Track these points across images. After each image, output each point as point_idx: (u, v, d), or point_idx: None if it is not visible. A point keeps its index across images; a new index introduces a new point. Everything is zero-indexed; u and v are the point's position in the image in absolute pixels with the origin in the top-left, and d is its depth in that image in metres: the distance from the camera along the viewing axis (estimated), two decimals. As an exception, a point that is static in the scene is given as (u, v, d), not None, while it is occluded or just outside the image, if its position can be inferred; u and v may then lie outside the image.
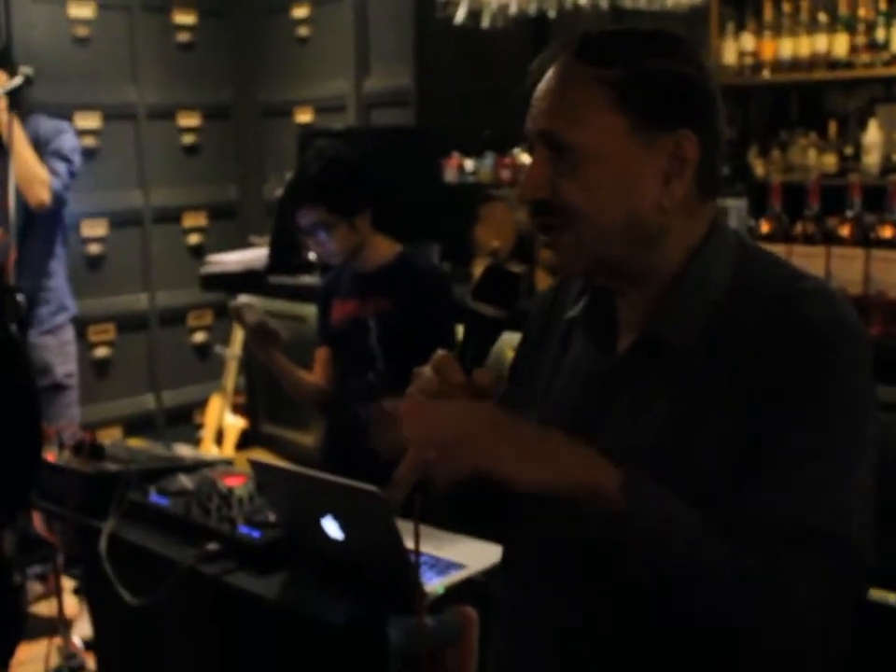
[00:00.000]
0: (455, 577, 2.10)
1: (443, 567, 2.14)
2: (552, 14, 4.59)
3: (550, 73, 1.35)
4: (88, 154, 5.00)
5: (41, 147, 4.19)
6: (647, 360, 1.37)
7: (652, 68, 1.30)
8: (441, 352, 1.32)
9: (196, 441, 5.23)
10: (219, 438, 5.04)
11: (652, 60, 1.31)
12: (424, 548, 2.22)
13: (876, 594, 2.67)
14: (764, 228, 3.03)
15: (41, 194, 4.16)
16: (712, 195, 1.40)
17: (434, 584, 2.07)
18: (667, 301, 1.36)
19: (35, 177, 4.12)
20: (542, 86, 1.35)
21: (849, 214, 2.90)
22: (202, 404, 5.49)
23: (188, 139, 5.97)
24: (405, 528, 2.06)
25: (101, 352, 5.66)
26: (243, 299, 4.28)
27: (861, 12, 4.69)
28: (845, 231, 2.88)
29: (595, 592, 1.33)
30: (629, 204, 1.31)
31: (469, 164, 4.77)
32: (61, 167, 4.21)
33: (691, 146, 1.31)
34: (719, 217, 1.42)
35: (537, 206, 1.35)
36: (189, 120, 5.96)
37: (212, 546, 2.22)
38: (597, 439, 1.30)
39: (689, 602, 1.22)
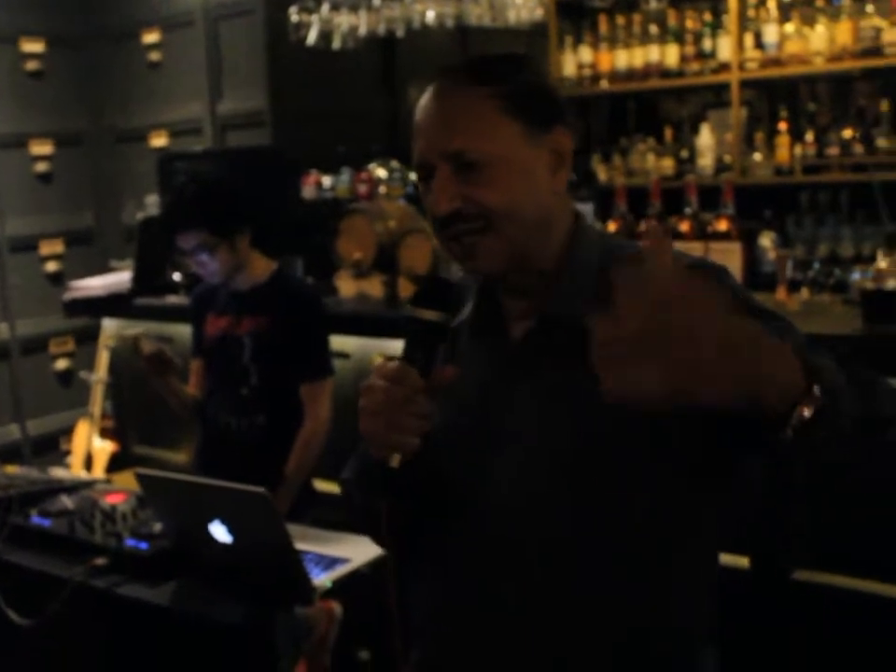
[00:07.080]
0: (341, 571, 2.21)
1: (329, 562, 2.24)
2: (400, 34, 4.73)
3: (435, 103, 1.49)
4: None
5: None
6: (547, 341, 1.50)
7: (525, 80, 1.50)
8: (385, 362, 1.38)
9: (65, 468, 5.18)
10: (88, 463, 5.01)
11: (522, 74, 1.51)
12: (310, 546, 2.33)
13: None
14: (612, 227, 3.22)
15: None
16: (572, 186, 1.55)
17: (322, 579, 2.16)
18: (560, 283, 1.51)
19: None
20: (433, 116, 1.48)
21: (688, 211, 3.11)
22: (68, 431, 5.44)
23: (41, 167, 5.92)
24: (293, 531, 2.16)
25: (-39, 384, 5.58)
26: (135, 329, 4.23)
27: (689, 24, 4.97)
28: (685, 227, 3.09)
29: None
30: (534, 196, 1.48)
31: (326, 181, 4.87)
32: None
33: (566, 140, 1.51)
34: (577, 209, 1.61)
35: (451, 218, 1.46)
36: (41, 148, 5.90)
37: (100, 561, 2.26)
38: (506, 418, 1.47)
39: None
